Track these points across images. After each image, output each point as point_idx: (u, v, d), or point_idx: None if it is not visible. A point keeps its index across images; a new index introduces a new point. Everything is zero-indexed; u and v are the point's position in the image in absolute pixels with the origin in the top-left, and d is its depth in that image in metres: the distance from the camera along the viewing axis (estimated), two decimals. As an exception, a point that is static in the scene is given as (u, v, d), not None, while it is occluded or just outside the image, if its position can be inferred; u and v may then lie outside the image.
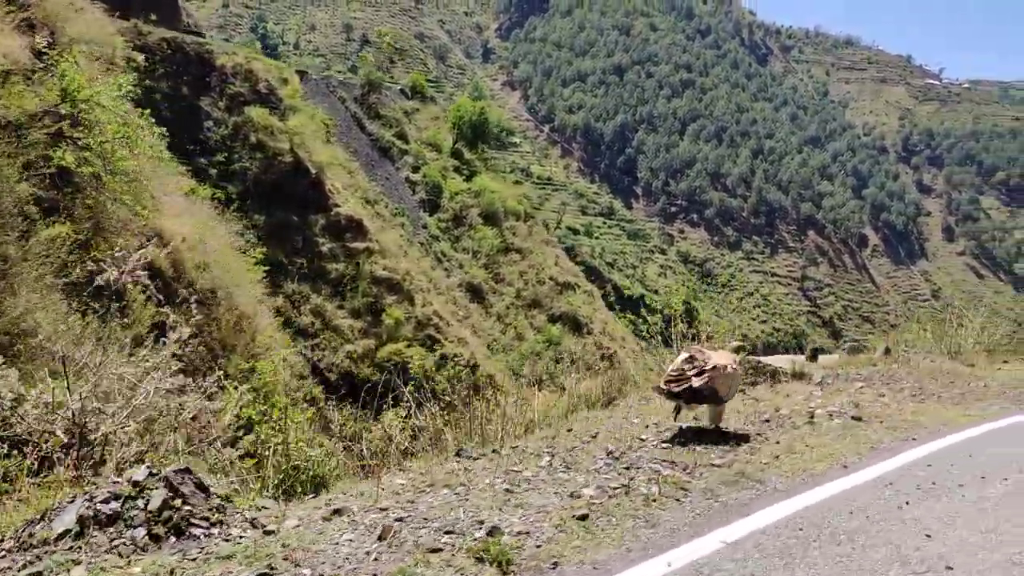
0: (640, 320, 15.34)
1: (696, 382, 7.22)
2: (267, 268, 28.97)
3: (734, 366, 7.56)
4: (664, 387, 7.40)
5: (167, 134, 27.24)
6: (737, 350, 8.98)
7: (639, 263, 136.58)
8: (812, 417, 8.50)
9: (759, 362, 11.83)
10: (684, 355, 7.75)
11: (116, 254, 14.61)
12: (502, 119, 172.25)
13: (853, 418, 8.55)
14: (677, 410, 7.64)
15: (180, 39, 30.71)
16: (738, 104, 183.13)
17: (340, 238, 31.80)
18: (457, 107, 55.33)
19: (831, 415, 8.65)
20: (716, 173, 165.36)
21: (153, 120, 20.91)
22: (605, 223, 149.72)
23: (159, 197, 17.77)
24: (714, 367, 7.34)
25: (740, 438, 7.52)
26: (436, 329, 33.00)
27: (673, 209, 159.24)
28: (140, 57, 28.31)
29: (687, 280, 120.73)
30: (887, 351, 15.56)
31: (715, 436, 7.46)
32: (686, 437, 7.42)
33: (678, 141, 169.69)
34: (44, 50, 12.99)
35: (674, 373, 7.42)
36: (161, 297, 15.30)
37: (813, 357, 17.52)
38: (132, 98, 26.68)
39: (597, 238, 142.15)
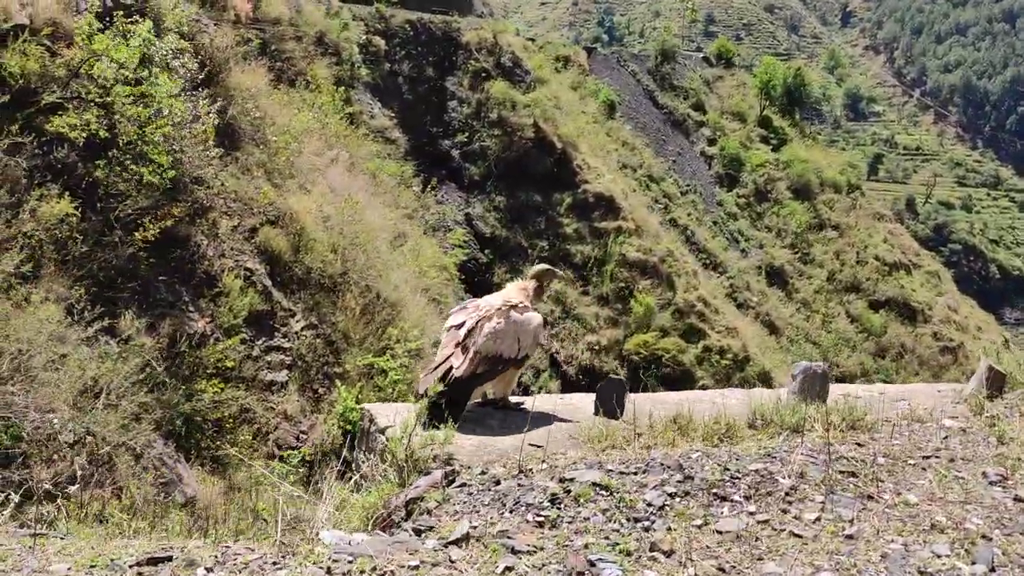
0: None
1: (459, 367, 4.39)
2: (502, 252, 27.34)
3: (512, 304, 4.68)
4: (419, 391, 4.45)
5: (393, 115, 26.82)
6: (537, 275, 5.21)
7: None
8: None
9: None
10: (454, 318, 4.75)
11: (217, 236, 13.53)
12: (862, 87, 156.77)
13: None
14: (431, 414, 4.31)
15: (426, 20, 30.08)
16: None
17: (587, 217, 29.05)
18: (764, 70, 49.38)
19: None
20: None
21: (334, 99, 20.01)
22: (989, 195, 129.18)
23: (307, 173, 16.57)
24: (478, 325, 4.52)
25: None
26: (700, 318, 28.87)
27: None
28: (381, 42, 28.25)
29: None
30: None
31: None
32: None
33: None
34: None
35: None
36: (268, 283, 13.93)
37: None
38: (369, 83, 26.57)
39: (978, 212, 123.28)
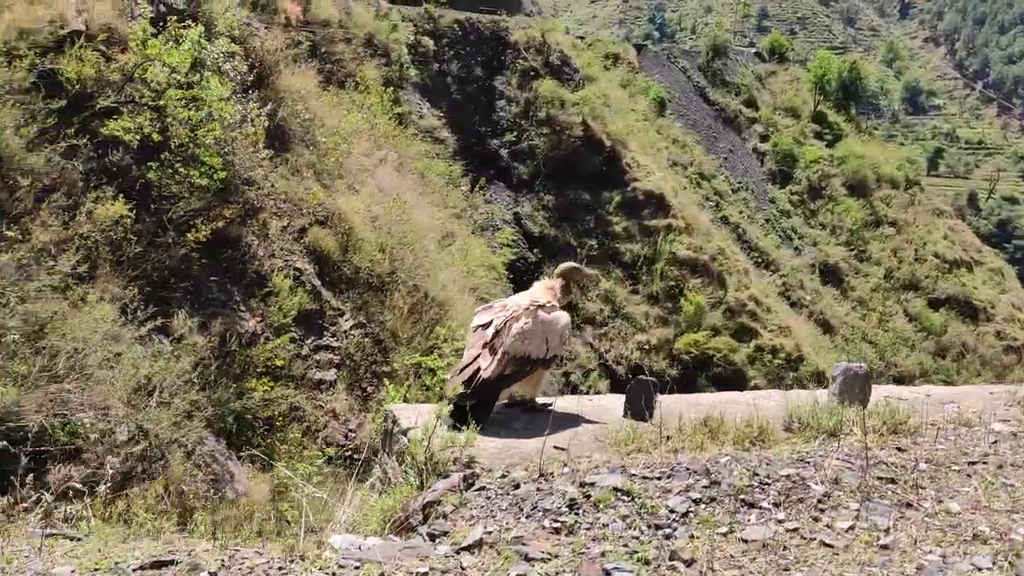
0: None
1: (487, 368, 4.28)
2: (551, 251, 27.28)
3: (540, 304, 4.55)
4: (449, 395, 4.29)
5: (442, 115, 26.92)
6: (564, 274, 4.96)
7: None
8: None
9: None
10: (479, 318, 4.64)
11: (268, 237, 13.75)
12: (921, 80, 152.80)
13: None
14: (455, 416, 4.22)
15: (474, 19, 30.14)
16: None
17: (637, 216, 28.82)
18: (818, 64, 48.39)
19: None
20: None
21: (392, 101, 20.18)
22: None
23: (356, 173, 16.74)
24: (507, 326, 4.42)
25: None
26: (752, 317, 28.46)
27: None
28: (429, 42, 28.42)
29: None
30: None
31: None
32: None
33: None
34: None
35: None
36: (318, 282, 14.10)
37: None
38: (418, 83, 26.73)
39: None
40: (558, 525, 3.02)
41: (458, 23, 29.61)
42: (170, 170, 10.64)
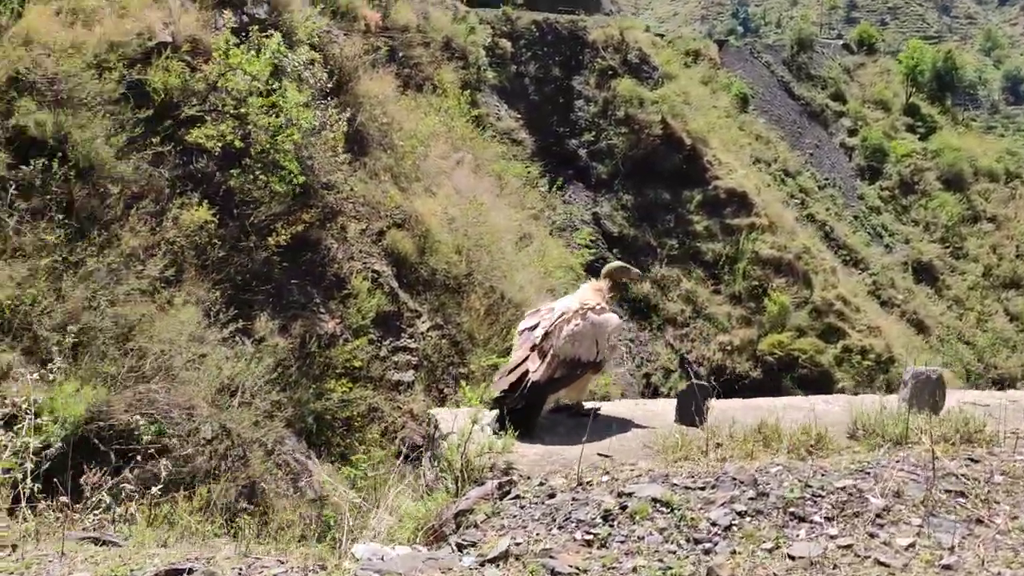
0: None
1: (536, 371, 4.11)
2: (630, 251, 26.96)
3: (590, 307, 4.38)
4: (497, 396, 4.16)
5: (519, 116, 26.90)
6: (611, 274, 4.75)
7: None
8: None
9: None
10: (527, 321, 4.48)
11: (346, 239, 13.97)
12: (1023, 68, 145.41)
13: None
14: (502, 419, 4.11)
15: (552, 20, 30.05)
16: None
17: (719, 214, 28.25)
18: (910, 54, 46.56)
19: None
20: None
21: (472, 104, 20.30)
22: None
23: (433, 176, 16.86)
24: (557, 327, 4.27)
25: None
26: (839, 317, 27.55)
27: None
28: (507, 44, 28.48)
29: None
30: None
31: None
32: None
33: None
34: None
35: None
36: (395, 284, 14.25)
37: None
38: (495, 85, 26.81)
39: None
40: (590, 537, 2.86)
41: (536, 24, 29.59)
42: (251, 176, 10.89)
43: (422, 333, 14.00)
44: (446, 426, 4.17)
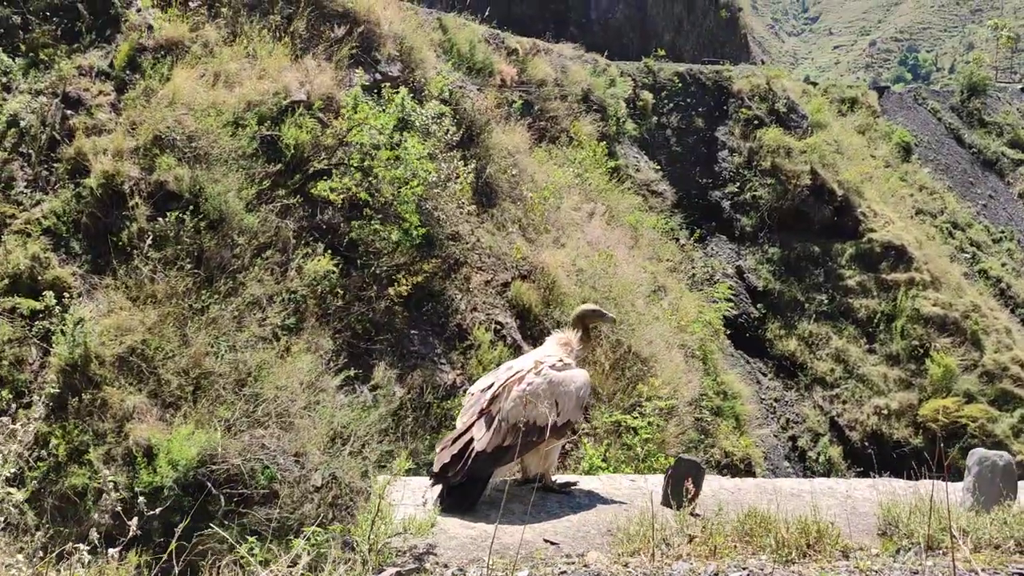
0: None
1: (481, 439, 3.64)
2: (775, 307, 25.79)
3: (550, 363, 3.94)
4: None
5: (660, 168, 26.45)
6: (581, 320, 4.31)
7: None
8: None
9: None
10: (481, 381, 4.06)
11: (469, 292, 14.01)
12: None
13: None
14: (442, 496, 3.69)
15: (695, 70, 29.59)
16: None
17: (873, 268, 26.51)
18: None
19: None
20: None
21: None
22: None
23: (564, 227, 16.73)
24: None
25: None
26: (1016, 382, 25.08)
27: None
28: (648, 95, 28.27)
29: None
30: None
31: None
32: None
33: None
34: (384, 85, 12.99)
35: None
36: (518, 337, 14.13)
37: None
38: (635, 136, 26.61)
39: None
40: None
41: (678, 75, 29.23)
42: (373, 227, 11.11)
43: (545, 387, 13.74)
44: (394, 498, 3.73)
